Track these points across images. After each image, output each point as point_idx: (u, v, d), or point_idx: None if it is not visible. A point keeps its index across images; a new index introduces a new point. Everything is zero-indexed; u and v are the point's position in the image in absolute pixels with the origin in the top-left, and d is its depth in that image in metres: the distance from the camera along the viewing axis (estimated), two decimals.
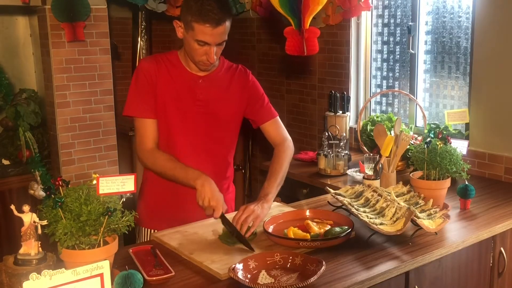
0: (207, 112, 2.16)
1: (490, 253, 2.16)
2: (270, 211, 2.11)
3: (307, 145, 4.14)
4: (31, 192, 3.54)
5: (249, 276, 1.63)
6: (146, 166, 2.19)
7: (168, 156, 2.11)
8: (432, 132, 2.26)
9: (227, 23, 2.00)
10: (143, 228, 2.27)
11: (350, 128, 3.55)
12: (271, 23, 4.35)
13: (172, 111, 2.13)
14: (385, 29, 3.66)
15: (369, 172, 2.53)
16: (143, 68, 2.14)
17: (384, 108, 3.74)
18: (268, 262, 1.70)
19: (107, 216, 1.48)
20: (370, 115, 3.61)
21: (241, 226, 1.91)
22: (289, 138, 2.32)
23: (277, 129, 2.30)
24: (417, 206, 2.05)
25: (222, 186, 2.27)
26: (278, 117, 2.32)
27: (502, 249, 2.19)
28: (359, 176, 2.91)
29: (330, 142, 3.04)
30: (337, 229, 1.90)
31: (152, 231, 2.21)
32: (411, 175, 2.25)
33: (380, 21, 3.69)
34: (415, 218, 1.90)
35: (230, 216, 2.01)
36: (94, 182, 1.55)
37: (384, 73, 3.71)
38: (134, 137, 4.13)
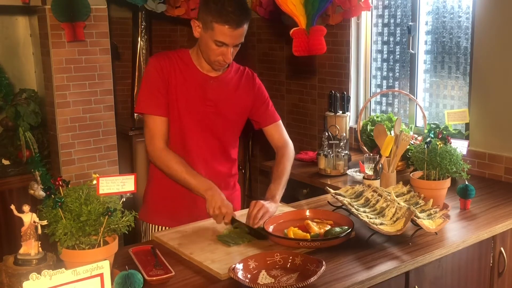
0: (216, 112, 2.19)
1: (490, 253, 2.16)
2: None
3: (307, 145, 4.14)
4: (31, 192, 3.53)
5: (249, 276, 1.63)
6: (155, 164, 2.20)
7: (180, 160, 2.12)
8: (432, 132, 2.26)
9: (245, 26, 2.03)
10: (149, 224, 2.27)
11: (350, 128, 3.55)
12: (271, 23, 4.35)
13: (183, 110, 2.15)
14: (385, 29, 3.66)
15: (369, 172, 2.53)
16: (156, 64, 2.14)
17: (384, 108, 3.74)
18: (268, 262, 1.70)
19: (107, 216, 1.48)
20: (370, 115, 3.61)
21: (252, 221, 1.98)
22: (291, 142, 2.36)
23: (280, 133, 2.35)
24: (417, 206, 2.05)
25: (229, 183, 2.30)
26: (280, 121, 2.36)
27: (502, 249, 2.19)
28: (359, 176, 2.91)
29: (330, 142, 3.04)
30: (337, 229, 1.90)
31: (158, 227, 2.22)
32: (411, 175, 2.25)
33: (380, 21, 3.69)
34: (415, 218, 1.90)
35: (238, 214, 2.07)
36: (94, 182, 1.55)
37: (384, 73, 3.71)
38: (134, 137, 4.16)
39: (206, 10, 2.02)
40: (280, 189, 2.17)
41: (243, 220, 2.02)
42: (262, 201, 2.04)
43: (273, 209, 2.06)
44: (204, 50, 2.09)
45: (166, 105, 2.13)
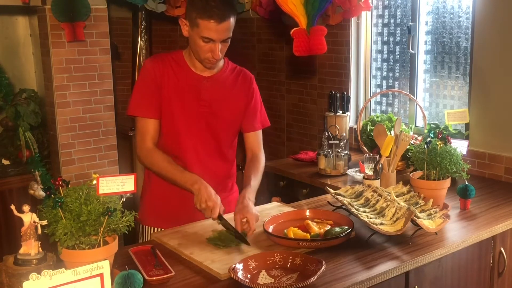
0: (210, 112, 2.18)
1: (490, 253, 2.16)
2: (270, 211, 2.17)
3: (307, 145, 4.14)
4: (31, 192, 3.53)
5: (249, 276, 1.63)
6: (144, 165, 2.21)
7: (167, 158, 2.12)
8: (432, 132, 2.26)
9: (232, 20, 2.02)
10: (146, 227, 2.27)
11: (350, 128, 3.55)
12: (271, 23, 4.35)
13: (177, 111, 2.15)
14: (385, 29, 3.66)
15: (369, 172, 2.53)
16: (149, 67, 2.15)
17: (384, 108, 3.74)
18: (268, 262, 1.70)
19: (107, 216, 1.48)
20: (370, 115, 3.61)
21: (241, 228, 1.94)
22: (263, 154, 2.35)
23: (259, 140, 2.34)
24: (417, 206, 2.05)
25: (226, 184, 2.29)
26: (261, 131, 2.34)
27: (502, 249, 2.19)
28: (359, 176, 2.91)
29: (330, 142, 3.04)
30: (337, 229, 1.90)
31: (156, 229, 2.22)
32: (411, 175, 2.25)
33: (380, 21, 3.69)
34: (415, 218, 1.90)
35: (230, 215, 2.03)
36: (94, 182, 1.55)
37: (384, 73, 3.71)
38: (134, 137, 4.15)
39: (191, 7, 2.02)
40: (253, 193, 2.12)
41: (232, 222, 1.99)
42: (249, 205, 1.99)
43: (256, 213, 2.01)
44: (194, 48, 2.09)
45: (158, 107, 2.14)
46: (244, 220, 1.94)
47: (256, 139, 2.33)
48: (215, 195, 2.01)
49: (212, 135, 2.21)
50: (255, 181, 2.18)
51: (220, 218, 1.97)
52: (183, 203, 2.20)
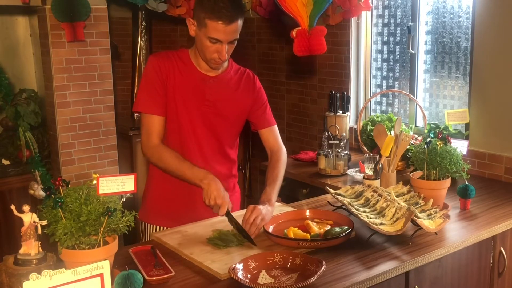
0: (214, 112, 2.18)
1: (490, 253, 2.16)
2: None
3: (307, 145, 4.14)
4: (31, 192, 3.54)
5: (249, 276, 1.63)
6: (151, 161, 2.20)
7: (174, 153, 2.11)
8: (432, 132, 2.26)
9: (240, 21, 2.03)
10: (148, 225, 2.27)
11: (350, 128, 3.55)
12: (271, 23, 4.36)
13: (181, 110, 2.15)
14: (385, 29, 3.66)
15: (369, 172, 2.53)
16: (154, 64, 2.14)
17: (384, 108, 3.74)
18: (268, 262, 1.70)
19: (107, 216, 1.48)
20: (370, 115, 3.61)
21: (249, 226, 1.93)
22: (284, 148, 2.35)
23: (275, 137, 2.34)
24: (417, 206, 2.05)
25: (228, 184, 2.29)
26: (276, 126, 2.36)
27: (502, 249, 2.19)
28: (359, 176, 2.91)
29: (330, 142, 3.04)
30: (337, 229, 1.91)
31: (158, 228, 2.22)
32: (411, 175, 2.25)
33: (380, 21, 3.69)
34: (415, 218, 1.90)
35: (236, 214, 2.03)
36: (94, 182, 1.55)
37: (384, 73, 3.71)
38: (134, 137, 4.16)
39: (199, 7, 2.02)
40: (275, 193, 2.14)
41: (239, 220, 1.99)
42: (259, 207, 2.00)
43: (269, 215, 2.02)
44: (200, 48, 2.09)
45: (164, 104, 2.14)
46: (257, 222, 1.94)
47: (271, 135, 2.32)
48: (224, 191, 2.01)
49: (215, 135, 2.21)
50: (278, 180, 2.19)
51: (227, 215, 1.97)
52: (185, 201, 2.21)
